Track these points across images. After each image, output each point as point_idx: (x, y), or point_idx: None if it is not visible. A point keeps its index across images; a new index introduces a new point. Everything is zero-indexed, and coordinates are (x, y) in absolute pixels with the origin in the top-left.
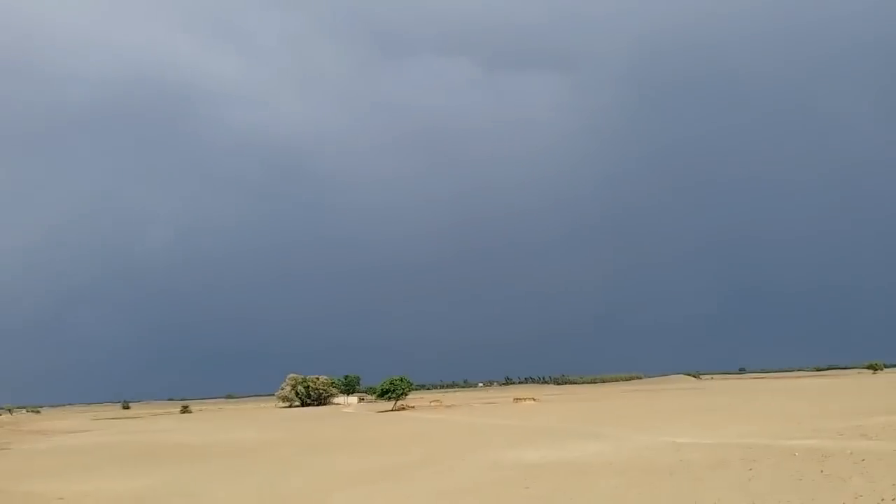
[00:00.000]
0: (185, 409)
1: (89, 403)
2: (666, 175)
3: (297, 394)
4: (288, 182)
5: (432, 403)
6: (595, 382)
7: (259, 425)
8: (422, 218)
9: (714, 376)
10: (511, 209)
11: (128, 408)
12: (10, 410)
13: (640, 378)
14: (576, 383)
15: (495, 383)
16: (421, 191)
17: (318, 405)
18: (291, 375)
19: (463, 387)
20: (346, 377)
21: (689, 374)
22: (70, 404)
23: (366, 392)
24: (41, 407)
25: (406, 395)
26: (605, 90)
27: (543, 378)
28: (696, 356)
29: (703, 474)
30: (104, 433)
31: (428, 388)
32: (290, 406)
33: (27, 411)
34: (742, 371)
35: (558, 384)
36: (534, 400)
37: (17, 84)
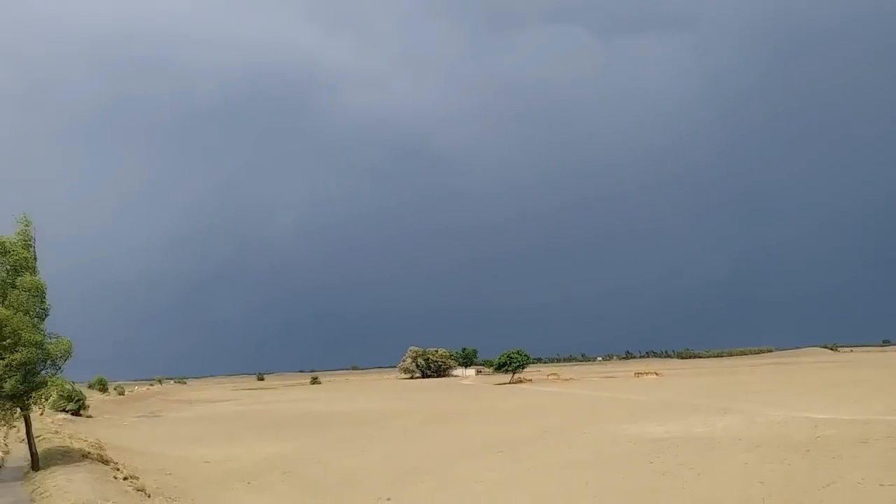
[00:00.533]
0: (314, 380)
1: (228, 375)
2: (795, 139)
3: (417, 366)
4: (406, 162)
5: (550, 377)
6: (721, 356)
7: (383, 395)
8: (536, 196)
9: (854, 349)
10: (629, 181)
11: (262, 379)
12: (160, 381)
13: (771, 351)
14: (701, 357)
15: (615, 357)
16: (534, 168)
17: (437, 377)
18: (412, 348)
19: (581, 361)
20: (463, 350)
21: (825, 347)
22: (212, 376)
23: (483, 365)
24: (186, 378)
25: (523, 368)
26: (727, 49)
27: (666, 352)
28: (833, 328)
29: (842, 451)
30: (242, 402)
31: (545, 362)
32: (412, 377)
33: (175, 382)
34: (886, 343)
35: (682, 358)
36: (656, 374)
37: (155, 80)
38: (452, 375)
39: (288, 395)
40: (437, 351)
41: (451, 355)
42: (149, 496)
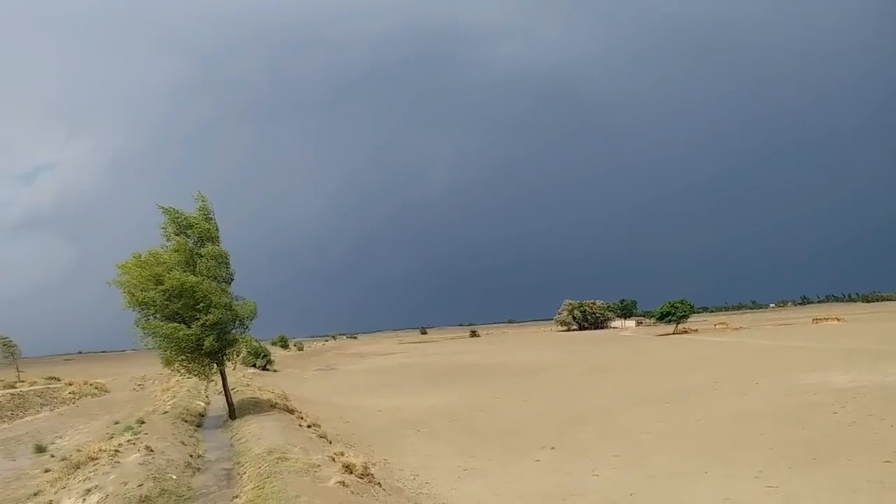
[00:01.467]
0: (473, 334)
1: (394, 329)
2: None
3: (573, 318)
4: (554, 110)
5: (718, 326)
6: None
7: (540, 348)
8: (697, 135)
9: None
10: (808, 115)
11: (425, 333)
12: (333, 337)
13: None
14: (890, 300)
15: (789, 303)
16: (693, 108)
17: (594, 329)
18: (567, 301)
19: (752, 308)
20: (621, 301)
21: None
22: (379, 331)
23: (643, 316)
24: (357, 334)
25: (687, 318)
26: None
27: (849, 296)
28: None
29: None
30: (408, 355)
31: (711, 311)
32: (568, 330)
33: (346, 338)
34: None
35: (867, 301)
36: (837, 320)
37: (310, 55)
38: (611, 327)
39: (449, 348)
40: (594, 303)
41: (608, 307)
42: (330, 442)
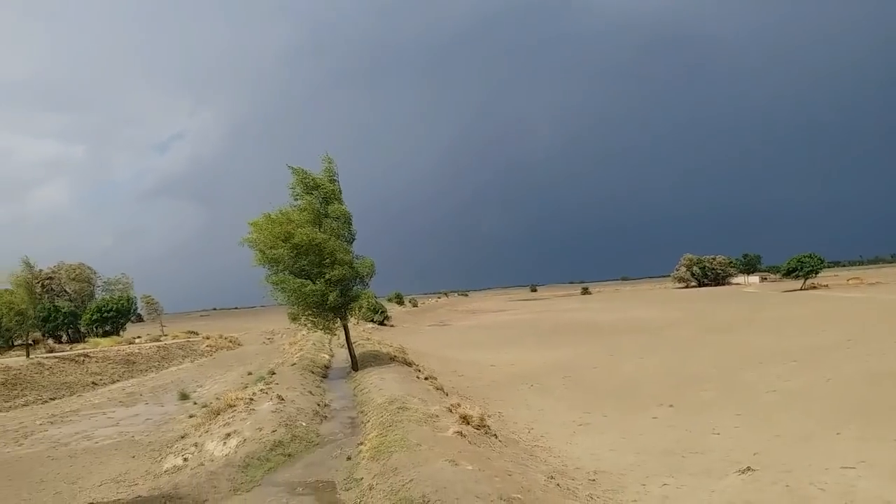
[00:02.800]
0: (585, 291)
1: (504, 287)
2: None
3: (692, 274)
4: (665, 57)
5: (850, 281)
6: None
7: (657, 305)
8: (821, 75)
9: None
10: None
11: (535, 290)
12: (446, 294)
13: None
14: None
15: None
16: (817, 45)
17: (715, 285)
18: (687, 256)
19: (890, 262)
20: (744, 256)
21: None
22: (489, 288)
23: (767, 271)
24: (468, 291)
25: (817, 273)
26: None
27: None
28: None
29: None
30: (518, 312)
31: (844, 266)
32: (686, 286)
33: (458, 295)
34: None
35: None
36: None
37: (411, 16)
38: (733, 283)
39: (560, 306)
40: (714, 258)
41: (730, 262)
42: (446, 394)
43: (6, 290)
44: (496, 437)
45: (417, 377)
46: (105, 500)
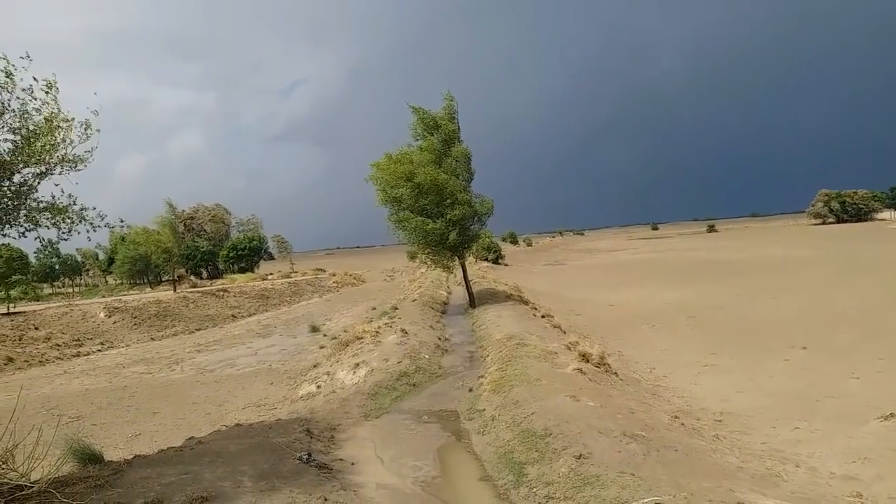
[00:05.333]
0: (710, 229)
1: (623, 225)
2: None
3: (830, 210)
4: None
5: None
6: None
7: (789, 243)
8: None
9: None
10: None
11: (656, 228)
12: (560, 233)
13: None
14: None
15: None
16: None
17: (856, 221)
18: (823, 191)
19: None
20: (891, 190)
21: None
22: (607, 227)
23: None
24: (584, 230)
25: None
26: None
27: None
28: None
29: None
30: (638, 251)
31: None
32: (824, 223)
33: (573, 234)
34: None
35: None
36: None
37: None
38: (877, 219)
39: (684, 244)
40: (855, 193)
41: (874, 196)
42: (564, 332)
43: (153, 230)
44: (616, 376)
45: (534, 315)
46: (249, 421)
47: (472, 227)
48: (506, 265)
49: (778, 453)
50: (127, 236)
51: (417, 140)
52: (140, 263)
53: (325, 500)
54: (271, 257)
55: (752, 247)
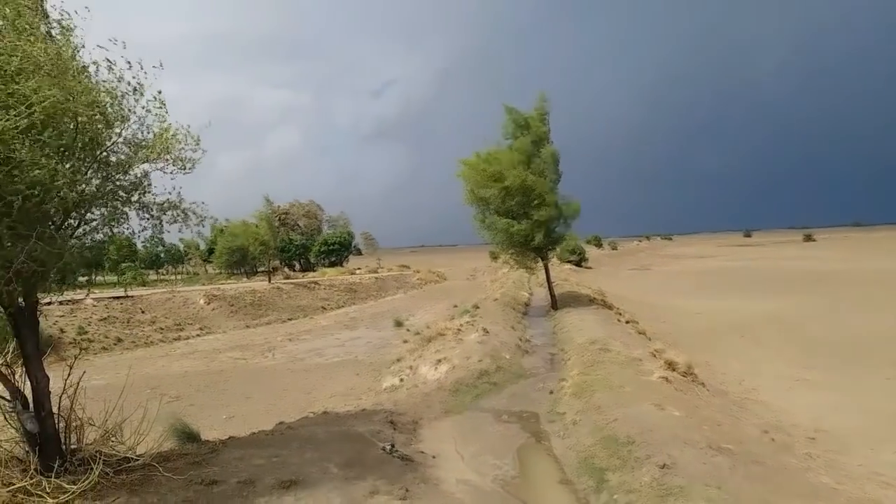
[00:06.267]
0: (807, 238)
1: (713, 232)
2: None
3: None
4: None
5: None
6: None
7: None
8: None
9: None
10: None
11: (749, 236)
12: (647, 238)
13: None
14: None
15: None
16: None
17: None
18: None
19: None
20: None
21: None
22: (695, 233)
23: None
24: (672, 235)
25: None
26: None
27: None
28: None
29: None
30: (728, 259)
31: None
32: None
33: (661, 238)
34: None
35: None
36: None
37: None
38: None
39: (778, 253)
40: None
41: None
42: (649, 339)
43: (251, 223)
44: (703, 387)
45: (618, 320)
46: (335, 409)
47: (557, 228)
48: (589, 268)
49: (878, 476)
50: (226, 228)
51: (507, 139)
52: (238, 254)
53: (407, 490)
54: (359, 253)
55: (852, 258)
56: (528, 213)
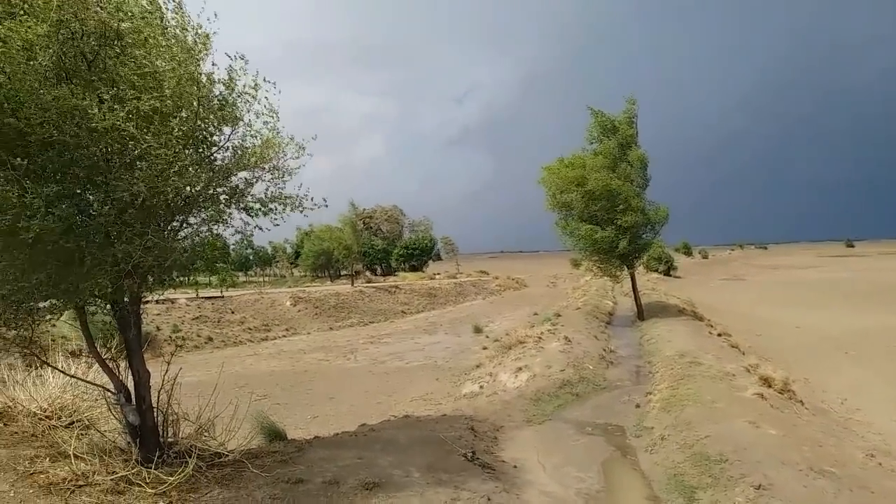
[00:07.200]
0: None
1: (813, 241)
2: None
3: None
4: None
5: None
6: None
7: None
8: None
9: None
10: None
11: (852, 246)
12: (740, 247)
13: None
14: None
15: None
16: None
17: None
18: None
19: None
20: None
21: None
22: (794, 241)
23: None
24: (767, 244)
25: None
26: None
27: None
28: None
29: None
30: (829, 270)
31: None
32: None
33: (755, 247)
34: None
35: None
36: None
37: None
38: None
39: (885, 264)
40: None
41: None
42: (742, 353)
43: (336, 227)
44: (802, 405)
45: (710, 333)
46: (416, 413)
47: (644, 235)
48: (677, 277)
49: None
50: (312, 232)
51: (592, 143)
52: (323, 258)
53: (489, 499)
54: (439, 258)
55: None
56: (612, 218)
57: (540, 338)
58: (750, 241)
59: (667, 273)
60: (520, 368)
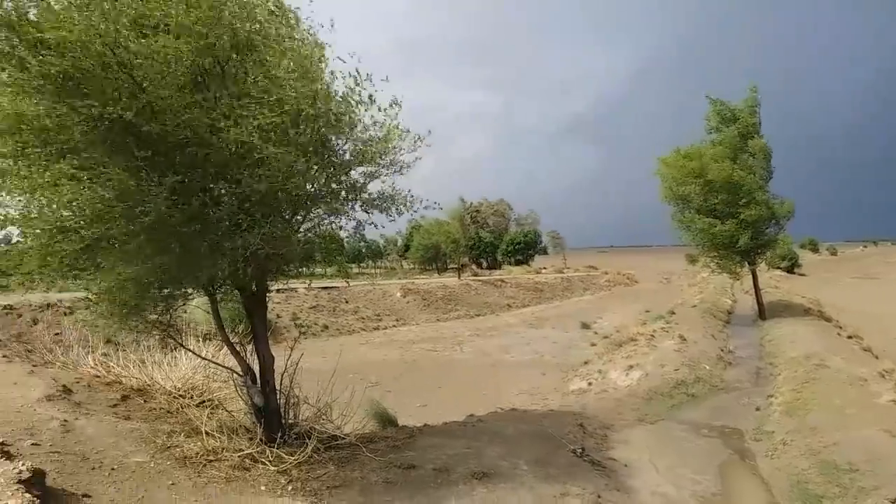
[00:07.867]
0: None
1: None
2: None
3: None
4: None
5: None
6: None
7: None
8: None
9: None
10: None
11: None
12: (874, 243)
13: None
14: None
15: None
16: None
17: None
18: None
19: None
20: None
21: None
22: None
23: None
24: None
25: None
26: None
27: None
28: None
29: None
30: None
31: None
32: None
33: (891, 243)
34: None
35: None
36: None
37: None
38: None
39: None
40: None
41: None
42: (876, 357)
43: (445, 221)
44: None
45: (838, 334)
46: (523, 407)
47: (767, 230)
48: (802, 275)
49: None
50: (421, 226)
51: (710, 133)
52: (431, 251)
53: (599, 497)
54: (545, 252)
55: None
56: (734, 212)
57: (653, 336)
58: (885, 238)
59: (790, 270)
60: (631, 366)
